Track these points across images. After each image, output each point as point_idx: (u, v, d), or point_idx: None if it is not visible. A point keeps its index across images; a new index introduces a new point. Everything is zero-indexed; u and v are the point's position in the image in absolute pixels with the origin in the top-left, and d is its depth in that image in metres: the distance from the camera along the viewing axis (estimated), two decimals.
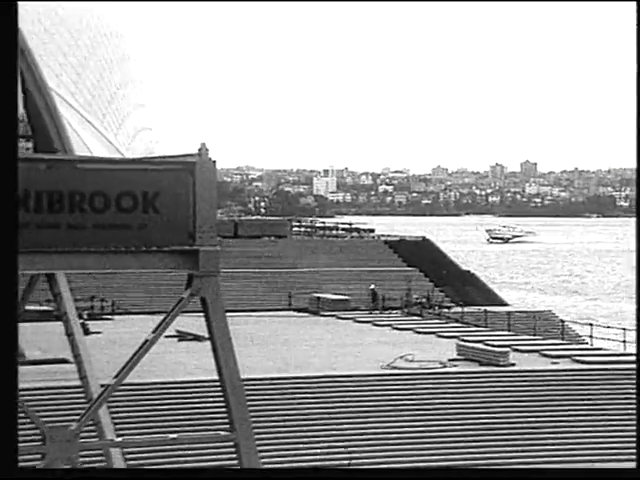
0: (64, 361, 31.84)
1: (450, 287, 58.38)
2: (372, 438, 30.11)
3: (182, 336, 39.88)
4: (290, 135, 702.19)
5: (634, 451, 15.94)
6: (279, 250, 61.87)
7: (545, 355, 36.94)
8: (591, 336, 42.62)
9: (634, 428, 27.72)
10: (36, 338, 37.98)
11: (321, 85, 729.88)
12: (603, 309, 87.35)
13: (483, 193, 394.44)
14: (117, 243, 15.36)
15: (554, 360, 36.07)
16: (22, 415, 19.69)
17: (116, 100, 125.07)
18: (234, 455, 16.72)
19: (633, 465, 15.20)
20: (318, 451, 29.18)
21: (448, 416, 31.36)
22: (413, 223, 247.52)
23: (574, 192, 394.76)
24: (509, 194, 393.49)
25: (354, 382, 32.55)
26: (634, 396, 29.81)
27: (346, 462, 28.48)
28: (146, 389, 30.43)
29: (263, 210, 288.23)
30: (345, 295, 53.24)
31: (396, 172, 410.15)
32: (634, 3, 11.49)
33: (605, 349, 39.20)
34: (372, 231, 75.70)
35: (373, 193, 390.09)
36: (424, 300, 53.09)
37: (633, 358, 35.06)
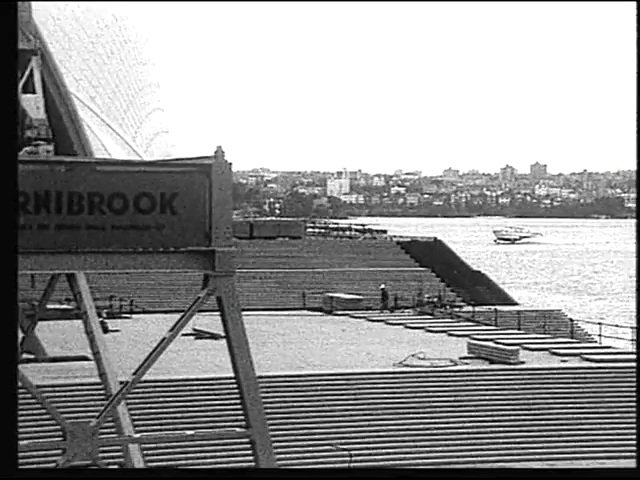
0: (84, 358, 31.93)
1: (461, 287, 58.30)
2: (384, 434, 30.07)
3: (199, 334, 39.93)
4: (304, 138, 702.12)
5: None
6: (293, 251, 61.87)
7: (555, 353, 36.84)
8: (600, 335, 42.48)
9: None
10: (57, 336, 38.12)
11: (335, 89, 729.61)
12: (612, 308, 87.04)
13: (494, 195, 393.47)
14: (135, 244, 15.40)
15: (563, 358, 35.97)
16: (43, 411, 19.76)
17: (134, 104, 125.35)
18: (249, 452, 16.74)
19: None
20: (330, 447, 29.15)
21: (459, 413, 31.30)
22: (424, 224, 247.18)
23: (583, 194, 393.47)
24: (519, 196, 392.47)
25: (367, 380, 32.52)
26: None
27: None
28: (164, 386, 30.46)
29: (278, 211, 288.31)
30: (358, 295, 53.21)
31: (408, 174, 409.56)
32: (634, 3, 11.45)
33: (614, 347, 39.08)
34: (385, 232, 75.61)
35: (386, 195, 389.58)
36: (436, 299, 53.02)
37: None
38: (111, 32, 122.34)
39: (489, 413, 31.51)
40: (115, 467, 18.55)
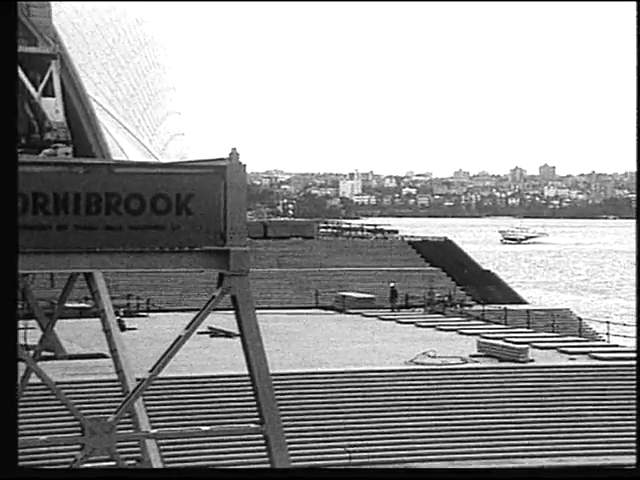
0: (102, 356, 32.02)
1: (471, 286, 58.21)
2: (396, 431, 30.05)
3: (214, 332, 39.97)
4: (317, 140, 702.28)
5: None
6: (306, 250, 61.89)
7: (563, 352, 36.76)
8: (608, 333, 42.36)
9: None
10: (75, 334, 38.22)
11: (348, 92, 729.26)
12: (619, 307, 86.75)
13: (503, 196, 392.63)
14: (152, 244, 15.43)
15: (572, 356, 35.88)
16: (62, 407, 19.82)
17: (151, 107, 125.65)
18: (263, 447, 16.75)
19: None
20: (342, 444, 29.14)
21: (469, 410, 31.26)
22: (435, 224, 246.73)
23: (591, 195, 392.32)
24: (528, 197, 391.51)
25: (378, 377, 32.51)
26: None
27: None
28: (180, 383, 30.52)
29: (291, 212, 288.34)
30: (370, 294, 53.19)
31: (419, 175, 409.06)
32: (634, 3, 11.41)
33: (621, 346, 38.95)
34: (396, 232, 75.52)
35: (397, 196, 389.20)
36: (446, 298, 52.94)
37: None
38: (129, 37, 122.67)
39: (499, 410, 31.45)
40: (133, 462, 18.56)
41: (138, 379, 17.69)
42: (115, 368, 18.90)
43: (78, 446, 16.23)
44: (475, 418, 30.93)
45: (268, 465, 16.38)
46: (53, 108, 22.47)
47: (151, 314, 48.51)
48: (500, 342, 36.68)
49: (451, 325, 44.52)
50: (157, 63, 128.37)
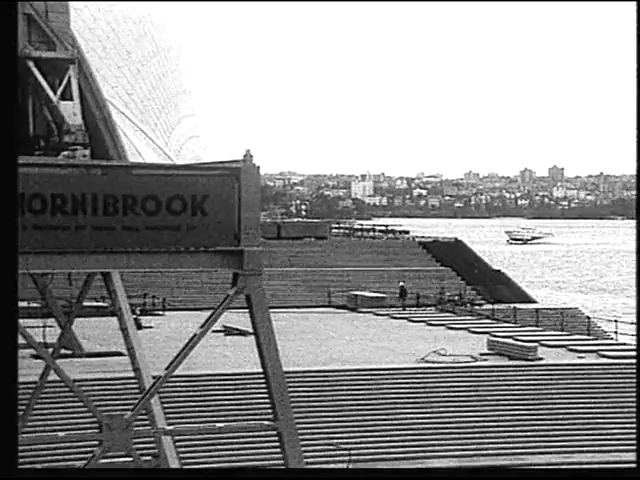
0: (119, 354, 32.09)
1: (481, 285, 58.12)
2: (406, 429, 30.01)
3: (228, 331, 40.03)
4: (330, 142, 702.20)
5: None
6: (319, 250, 61.90)
7: (572, 350, 36.66)
8: (616, 332, 42.24)
9: None
10: (93, 332, 38.32)
11: (360, 95, 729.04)
12: (627, 306, 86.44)
13: (512, 197, 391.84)
14: (167, 244, 15.47)
15: (580, 355, 35.79)
16: (80, 404, 19.86)
17: (167, 110, 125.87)
18: (276, 444, 16.76)
19: None
20: (355, 441, 29.12)
21: (479, 407, 31.20)
22: (445, 225, 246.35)
23: (600, 196, 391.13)
24: (537, 197, 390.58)
25: (390, 375, 32.49)
26: None
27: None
28: (195, 380, 30.56)
29: (304, 213, 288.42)
30: (381, 293, 53.19)
31: (430, 177, 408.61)
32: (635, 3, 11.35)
33: (629, 344, 38.80)
34: (407, 232, 75.46)
35: (408, 197, 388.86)
36: (457, 298, 52.90)
37: None
38: (145, 41, 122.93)
39: (508, 408, 31.39)
40: (149, 459, 18.59)
41: (154, 377, 17.72)
42: (132, 366, 18.94)
43: (96, 442, 16.27)
44: (485, 415, 30.87)
45: (282, 462, 16.39)
46: (71, 111, 22.54)
47: (167, 313, 48.59)
48: (510, 340, 36.62)
49: (461, 324, 44.47)
50: (172, 67, 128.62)
